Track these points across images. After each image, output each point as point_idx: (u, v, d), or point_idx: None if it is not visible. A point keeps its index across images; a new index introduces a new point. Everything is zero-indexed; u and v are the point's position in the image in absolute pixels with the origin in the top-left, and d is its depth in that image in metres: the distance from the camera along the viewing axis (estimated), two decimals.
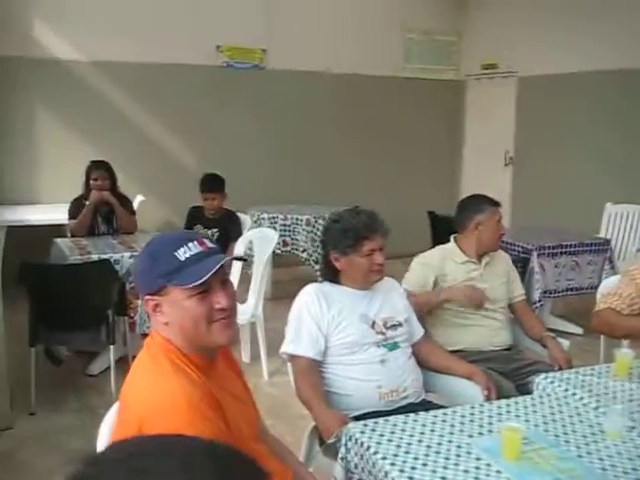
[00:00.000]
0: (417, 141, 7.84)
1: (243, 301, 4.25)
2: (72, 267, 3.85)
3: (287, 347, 2.44)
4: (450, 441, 1.82)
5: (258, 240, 4.50)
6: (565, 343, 3.03)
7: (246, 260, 4.04)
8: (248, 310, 4.21)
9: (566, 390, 2.18)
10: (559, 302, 5.24)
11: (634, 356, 2.34)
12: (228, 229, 4.83)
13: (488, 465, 1.69)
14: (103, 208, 4.71)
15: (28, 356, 3.67)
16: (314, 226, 5.56)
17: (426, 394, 2.55)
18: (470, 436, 1.85)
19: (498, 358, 2.95)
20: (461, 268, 3.07)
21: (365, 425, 1.91)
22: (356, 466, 1.84)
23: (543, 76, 6.86)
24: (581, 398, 2.12)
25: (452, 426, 1.92)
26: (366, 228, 2.43)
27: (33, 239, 4.84)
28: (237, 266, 4.21)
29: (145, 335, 1.69)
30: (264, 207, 5.89)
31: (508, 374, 2.84)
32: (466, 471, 1.66)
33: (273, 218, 5.68)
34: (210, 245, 1.55)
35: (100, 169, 4.67)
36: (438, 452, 1.76)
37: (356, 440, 1.85)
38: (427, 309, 2.97)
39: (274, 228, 5.44)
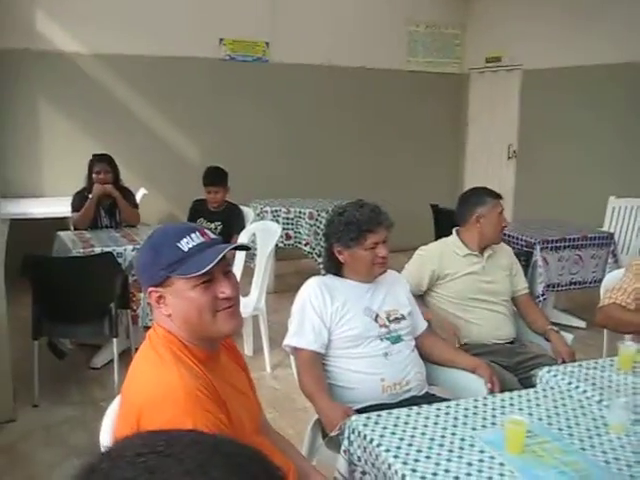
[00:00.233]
0: (420, 134, 7.82)
1: (246, 294, 4.24)
2: (75, 260, 3.86)
3: (290, 340, 2.44)
4: (453, 434, 1.82)
5: (261, 233, 4.49)
6: (569, 337, 3.02)
7: (249, 249, 3.99)
8: (251, 303, 4.21)
9: (569, 383, 2.18)
10: (562, 296, 5.24)
11: (638, 349, 2.33)
12: (231, 222, 4.84)
13: (491, 458, 1.69)
14: (106, 201, 4.71)
15: (31, 349, 3.67)
16: (317, 219, 5.55)
17: (429, 387, 2.55)
18: (473, 429, 1.85)
19: (501, 351, 2.95)
20: (462, 261, 3.06)
21: (368, 418, 1.91)
22: (359, 459, 1.84)
23: (547, 69, 6.83)
24: (584, 391, 2.12)
25: (455, 419, 1.91)
26: (369, 221, 2.42)
27: (36, 232, 4.84)
28: (240, 259, 4.21)
29: (148, 328, 1.69)
30: (267, 200, 5.88)
31: (511, 367, 2.84)
32: (469, 464, 1.66)
33: (276, 211, 5.67)
34: (212, 236, 1.55)
35: (103, 162, 4.67)
36: (441, 445, 1.76)
37: (359, 433, 1.84)
38: None
39: (277, 221, 5.43)
